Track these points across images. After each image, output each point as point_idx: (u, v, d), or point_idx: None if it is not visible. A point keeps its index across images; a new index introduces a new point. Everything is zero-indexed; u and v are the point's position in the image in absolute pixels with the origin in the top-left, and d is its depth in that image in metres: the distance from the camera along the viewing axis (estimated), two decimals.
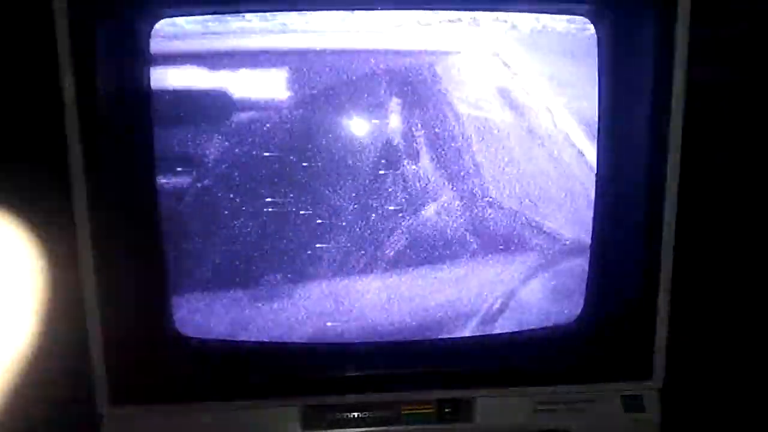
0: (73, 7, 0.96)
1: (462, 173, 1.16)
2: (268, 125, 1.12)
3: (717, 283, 1.23)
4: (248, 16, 1.08)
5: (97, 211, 1.01)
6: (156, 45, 1.04)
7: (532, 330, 1.17)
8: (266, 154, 1.13)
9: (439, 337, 1.17)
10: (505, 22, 1.11)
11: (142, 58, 1.03)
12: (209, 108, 1.11)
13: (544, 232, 1.17)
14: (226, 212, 1.11)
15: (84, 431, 1.09)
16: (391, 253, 1.15)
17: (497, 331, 1.17)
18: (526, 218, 1.16)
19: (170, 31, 1.06)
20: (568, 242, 1.18)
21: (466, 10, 1.09)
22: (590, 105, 1.11)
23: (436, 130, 1.15)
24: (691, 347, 1.22)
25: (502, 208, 1.16)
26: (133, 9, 1.01)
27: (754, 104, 1.17)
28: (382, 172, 1.14)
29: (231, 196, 1.11)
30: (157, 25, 1.03)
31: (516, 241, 1.17)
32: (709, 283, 1.22)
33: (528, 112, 1.16)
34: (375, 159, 1.14)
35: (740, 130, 1.18)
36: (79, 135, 0.98)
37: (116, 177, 1.02)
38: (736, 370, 1.23)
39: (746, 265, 1.21)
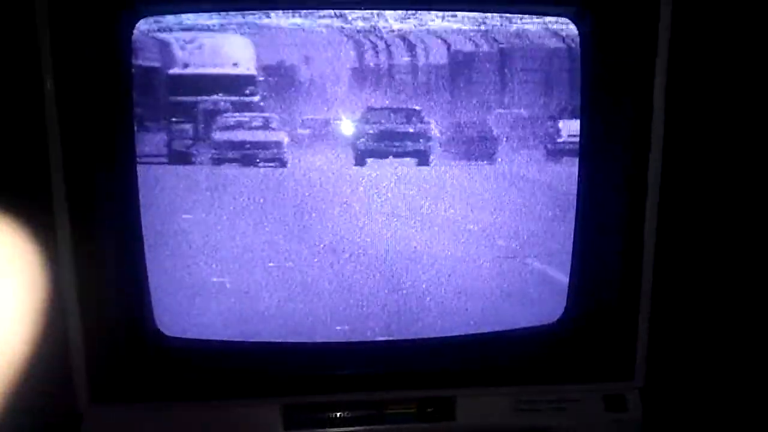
0: (55, 9, 0.95)
1: (446, 172, 1.16)
2: (249, 119, 1.12)
3: (697, 284, 1.23)
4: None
5: (77, 210, 1.00)
6: (137, 42, 1.04)
7: (515, 330, 1.17)
8: (247, 149, 1.13)
9: (421, 336, 1.17)
10: (489, 22, 1.11)
11: (123, 55, 1.03)
12: (191, 104, 1.11)
13: (527, 232, 1.18)
14: (207, 211, 1.11)
15: (64, 428, 1.09)
16: (374, 253, 1.15)
17: (479, 330, 1.17)
18: (507, 219, 1.16)
19: (151, 28, 1.06)
20: (550, 243, 1.18)
21: (447, 10, 1.08)
22: (573, 104, 1.11)
23: (420, 126, 1.16)
24: (673, 347, 1.22)
25: (484, 209, 1.16)
26: (115, 6, 1.01)
27: (738, 105, 1.17)
28: (365, 168, 1.15)
29: (212, 194, 1.11)
30: (139, 23, 1.03)
31: (498, 242, 1.17)
32: (689, 284, 1.22)
33: (511, 110, 1.16)
34: (359, 154, 1.16)
35: (722, 131, 1.18)
36: (59, 133, 0.98)
37: (96, 175, 1.02)
38: (718, 369, 1.23)
39: (726, 266, 1.21)
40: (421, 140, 1.21)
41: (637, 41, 1.04)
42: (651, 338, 1.14)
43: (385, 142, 1.21)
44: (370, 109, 1.16)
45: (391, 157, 1.22)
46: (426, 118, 1.17)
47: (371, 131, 1.18)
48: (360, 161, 1.18)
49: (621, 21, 1.04)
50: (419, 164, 1.22)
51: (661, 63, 1.04)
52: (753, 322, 1.21)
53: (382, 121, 1.19)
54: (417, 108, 1.18)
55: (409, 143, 1.21)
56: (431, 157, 1.20)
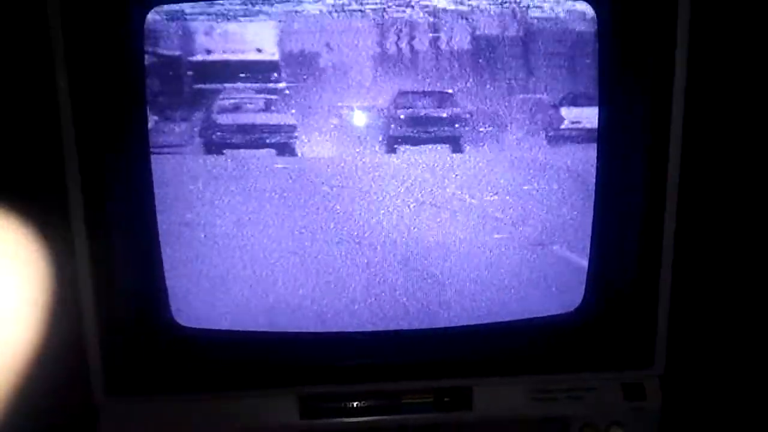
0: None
1: (459, 162, 1.15)
2: (271, 105, 1.12)
3: (717, 271, 1.22)
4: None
5: (91, 201, 1.00)
6: (149, 31, 1.03)
7: (532, 319, 1.16)
8: (267, 135, 1.13)
9: (438, 326, 1.16)
10: (506, 6, 1.09)
11: (135, 48, 1.02)
12: (209, 92, 1.11)
13: (551, 220, 1.16)
14: (224, 200, 1.11)
15: (81, 422, 1.09)
16: (390, 243, 1.14)
17: (497, 320, 1.16)
18: (524, 207, 1.15)
19: (164, 19, 1.05)
20: (568, 231, 1.17)
21: None
22: (591, 91, 1.09)
23: (432, 111, 1.15)
24: (692, 335, 1.21)
25: (500, 198, 1.15)
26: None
27: (761, 91, 1.15)
28: (378, 159, 1.14)
29: (226, 186, 1.11)
30: (150, 14, 1.02)
31: (516, 230, 1.16)
32: (709, 271, 1.21)
33: (529, 96, 1.14)
34: (370, 144, 1.14)
35: (744, 118, 1.16)
36: (72, 126, 0.98)
37: (110, 167, 1.02)
38: (737, 358, 1.22)
39: (746, 255, 1.20)
40: (456, 125, 1.18)
41: (656, 25, 1.02)
42: (670, 326, 1.13)
43: (417, 128, 1.19)
44: (402, 93, 1.15)
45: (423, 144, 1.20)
46: (459, 102, 1.15)
47: (402, 116, 1.17)
48: (390, 149, 1.16)
49: (640, 3, 1.02)
50: (453, 151, 1.19)
51: (681, 48, 1.02)
52: None
53: (415, 106, 1.17)
54: (449, 91, 1.16)
55: (443, 128, 1.19)
56: (464, 144, 1.18)
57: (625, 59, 1.05)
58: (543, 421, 1.17)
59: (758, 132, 1.17)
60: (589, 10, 1.07)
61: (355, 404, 1.13)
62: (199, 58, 1.10)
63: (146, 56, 1.03)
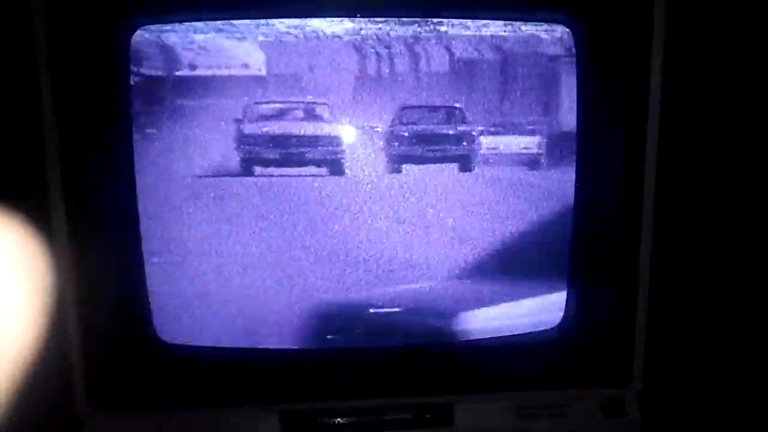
0: (52, 14, 0.96)
1: (442, 183, 1.16)
2: (248, 129, 1.13)
3: (694, 288, 1.23)
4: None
5: (75, 217, 1.01)
6: (135, 51, 1.04)
7: (513, 336, 1.17)
8: (245, 158, 1.14)
9: (419, 343, 1.17)
10: (485, 29, 1.11)
11: (120, 64, 1.04)
12: (189, 113, 1.12)
13: (524, 239, 1.18)
14: (206, 219, 1.12)
15: None
16: (371, 261, 1.16)
17: (478, 337, 1.17)
18: (504, 226, 1.17)
19: (149, 38, 1.07)
20: (548, 249, 1.18)
21: (445, 17, 1.09)
22: (569, 111, 1.11)
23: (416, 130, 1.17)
24: (670, 352, 1.22)
25: (480, 217, 1.16)
26: (113, 17, 1.02)
27: (733, 107, 1.17)
28: (362, 176, 1.15)
29: (211, 202, 1.12)
30: (137, 33, 1.04)
31: (495, 248, 1.17)
32: (686, 288, 1.23)
33: (507, 117, 1.16)
34: (358, 162, 1.16)
35: (718, 135, 1.18)
36: (57, 141, 0.99)
37: (95, 183, 1.03)
38: (716, 372, 1.23)
39: (723, 270, 1.22)
40: (434, 146, 1.20)
41: (632, 45, 1.05)
42: (648, 343, 1.14)
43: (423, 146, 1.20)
44: (405, 107, 1.16)
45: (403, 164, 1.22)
46: (437, 124, 1.17)
47: (406, 133, 1.18)
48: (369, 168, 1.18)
49: (615, 26, 1.05)
50: (433, 171, 1.20)
51: (655, 66, 1.04)
52: (750, 326, 1.21)
53: (419, 121, 1.19)
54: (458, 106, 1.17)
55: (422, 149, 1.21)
56: (443, 164, 1.19)
57: (602, 80, 1.07)
58: None
59: (734, 153, 1.19)
60: (566, 33, 1.09)
61: (336, 421, 1.14)
62: (182, 76, 1.12)
63: (131, 75, 1.05)
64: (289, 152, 1.20)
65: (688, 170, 1.18)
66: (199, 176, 1.13)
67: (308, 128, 1.20)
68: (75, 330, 1.04)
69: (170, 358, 1.12)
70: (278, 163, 1.19)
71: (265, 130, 1.18)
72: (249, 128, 1.16)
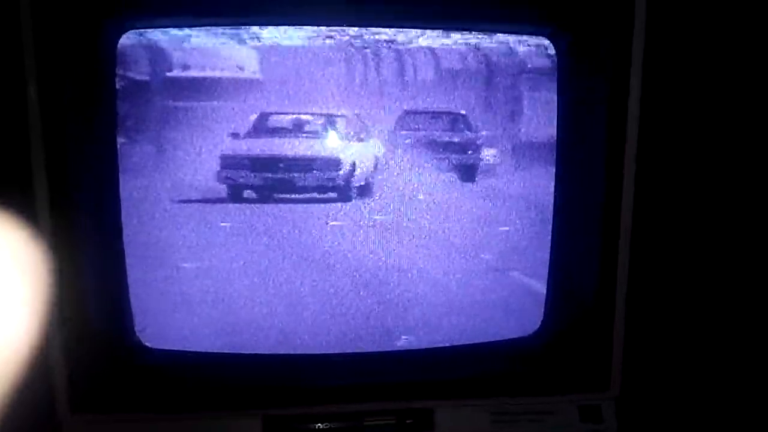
0: (40, 17, 0.96)
1: (416, 185, 1.17)
2: (233, 135, 1.14)
3: (672, 296, 1.25)
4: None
5: (58, 218, 1.00)
6: (122, 54, 1.04)
7: (492, 342, 1.19)
8: (230, 161, 1.15)
9: (400, 348, 1.18)
10: (467, 41, 1.13)
11: (107, 68, 1.04)
12: (175, 116, 1.12)
13: (503, 247, 1.20)
14: (189, 223, 1.12)
15: None
16: (352, 266, 1.17)
17: (458, 343, 1.19)
18: (484, 234, 1.18)
19: (136, 41, 1.07)
20: (527, 257, 1.20)
21: (428, 29, 1.11)
22: (550, 120, 1.13)
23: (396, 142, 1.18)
24: (648, 358, 1.24)
25: (460, 224, 1.18)
26: (101, 20, 1.02)
27: (711, 119, 1.20)
28: (341, 183, 1.16)
29: (194, 206, 1.12)
30: (124, 37, 1.04)
31: (476, 255, 1.19)
32: (664, 296, 1.25)
33: (488, 127, 1.18)
34: (318, 161, 1.17)
35: (697, 147, 1.21)
36: (42, 144, 0.98)
37: (78, 186, 1.02)
38: (692, 380, 1.25)
39: (700, 278, 1.24)
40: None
41: (612, 58, 1.07)
42: (626, 349, 1.16)
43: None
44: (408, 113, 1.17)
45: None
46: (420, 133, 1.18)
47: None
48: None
49: (597, 39, 1.07)
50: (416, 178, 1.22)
51: (635, 79, 1.07)
52: (727, 334, 1.24)
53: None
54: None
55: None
56: (426, 172, 1.20)
57: (583, 90, 1.10)
58: None
59: (714, 163, 1.21)
60: (548, 45, 1.11)
61: (318, 425, 1.14)
62: (169, 79, 1.12)
63: (117, 78, 1.05)
64: (283, 177, 1.20)
65: (667, 181, 1.21)
66: (184, 182, 1.13)
67: (301, 147, 1.20)
68: (57, 334, 1.03)
69: (152, 362, 1.11)
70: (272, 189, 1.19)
71: (254, 146, 1.18)
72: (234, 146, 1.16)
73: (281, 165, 1.19)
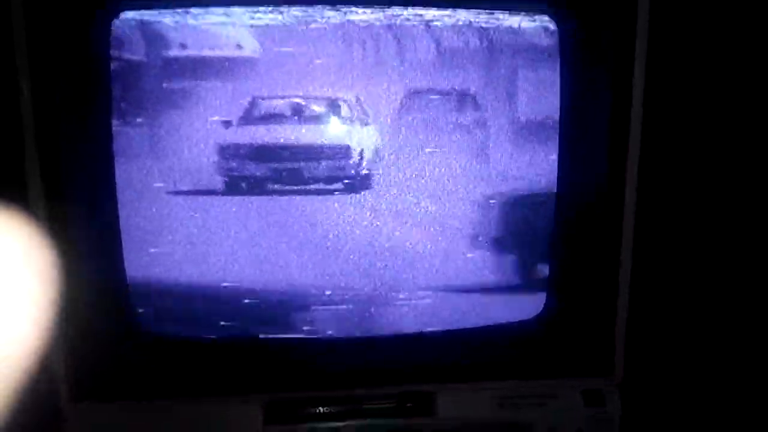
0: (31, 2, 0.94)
1: (418, 168, 1.15)
2: (225, 121, 1.12)
3: (675, 280, 1.24)
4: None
5: (55, 206, 1.00)
6: (116, 38, 1.03)
7: (495, 326, 1.18)
8: (225, 148, 1.14)
9: (401, 332, 1.18)
10: (469, 19, 1.11)
11: (101, 52, 1.02)
12: (170, 102, 1.11)
13: (507, 230, 1.18)
14: (185, 209, 1.11)
15: (47, 427, 1.09)
16: (353, 250, 1.16)
17: (459, 326, 1.18)
18: (486, 217, 1.17)
19: (130, 24, 1.05)
20: (530, 240, 1.18)
21: (428, 7, 1.08)
22: (552, 101, 1.11)
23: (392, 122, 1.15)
24: (651, 343, 1.23)
25: (463, 207, 1.16)
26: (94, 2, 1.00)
27: (716, 104, 1.18)
28: (330, 164, 1.15)
29: (190, 192, 1.11)
30: (118, 19, 1.02)
31: (478, 238, 1.18)
32: (667, 280, 1.24)
33: (489, 108, 1.16)
34: (320, 149, 1.15)
35: (701, 129, 1.19)
36: (34, 131, 0.98)
37: (74, 172, 1.02)
38: (696, 365, 1.24)
39: (704, 262, 1.23)
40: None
41: (617, 39, 1.05)
42: (629, 334, 1.15)
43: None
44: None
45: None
46: (415, 111, 1.15)
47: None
48: None
49: (601, 19, 1.04)
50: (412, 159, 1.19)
51: (640, 59, 1.04)
52: (730, 319, 1.23)
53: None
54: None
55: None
56: (424, 153, 1.17)
57: (587, 70, 1.07)
58: (506, 427, 1.18)
59: (717, 147, 1.19)
60: (551, 24, 1.09)
61: (318, 409, 1.14)
62: (166, 64, 1.10)
63: (112, 60, 1.03)
64: (287, 166, 1.17)
65: (671, 163, 1.19)
66: (182, 167, 1.12)
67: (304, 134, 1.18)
68: (56, 322, 1.03)
69: (152, 348, 1.12)
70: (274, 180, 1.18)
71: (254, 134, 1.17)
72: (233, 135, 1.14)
73: (285, 153, 1.17)
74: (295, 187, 1.17)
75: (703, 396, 1.23)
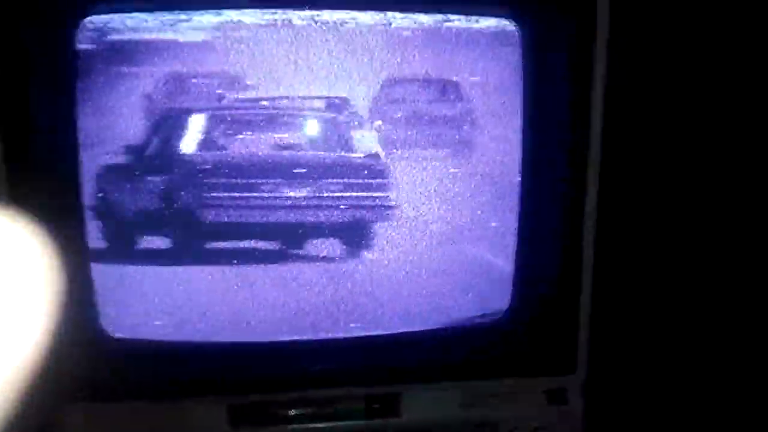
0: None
1: (384, 167, 1.17)
2: (195, 119, 1.12)
3: (636, 280, 1.26)
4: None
5: (19, 207, 0.99)
6: (82, 41, 1.03)
7: (459, 326, 1.19)
8: (193, 147, 1.14)
9: (366, 333, 1.18)
10: (430, 21, 1.12)
11: (67, 54, 1.02)
12: (137, 103, 1.11)
13: (471, 229, 1.19)
14: (152, 209, 1.11)
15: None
16: (316, 251, 1.16)
17: (424, 327, 1.18)
18: (451, 215, 1.18)
19: (97, 26, 1.05)
20: (494, 240, 1.20)
21: (390, 10, 1.10)
22: (513, 102, 1.13)
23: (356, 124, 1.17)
24: (612, 343, 1.25)
25: (428, 205, 1.17)
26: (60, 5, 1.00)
27: (675, 104, 1.21)
28: (297, 170, 1.16)
29: (157, 191, 1.11)
30: (85, 21, 1.02)
31: (443, 238, 1.19)
32: (630, 278, 1.26)
33: (451, 109, 1.17)
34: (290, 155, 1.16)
35: (660, 129, 1.22)
36: (1, 133, 0.97)
37: (39, 171, 1.01)
38: (656, 363, 1.26)
39: (667, 260, 1.25)
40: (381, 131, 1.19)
41: (576, 41, 1.07)
42: (592, 333, 1.17)
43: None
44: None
45: None
46: (383, 109, 1.16)
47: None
48: None
49: (560, 22, 1.07)
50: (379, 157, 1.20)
51: (599, 60, 1.07)
52: (694, 315, 1.25)
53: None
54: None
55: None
56: (390, 150, 1.18)
57: (547, 70, 1.10)
58: (472, 426, 1.19)
59: (676, 138, 1.22)
60: (511, 26, 1.11)
61: (285, 412, 1.14)
62: (131, 68, 1.10)
63: (79, 63, 1.03)
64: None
65: (633, 161, 1.21)
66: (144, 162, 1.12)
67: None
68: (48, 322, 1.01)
69: (117, 351, 1.10)
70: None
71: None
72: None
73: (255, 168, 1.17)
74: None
75: (667, 393, 1.25)
